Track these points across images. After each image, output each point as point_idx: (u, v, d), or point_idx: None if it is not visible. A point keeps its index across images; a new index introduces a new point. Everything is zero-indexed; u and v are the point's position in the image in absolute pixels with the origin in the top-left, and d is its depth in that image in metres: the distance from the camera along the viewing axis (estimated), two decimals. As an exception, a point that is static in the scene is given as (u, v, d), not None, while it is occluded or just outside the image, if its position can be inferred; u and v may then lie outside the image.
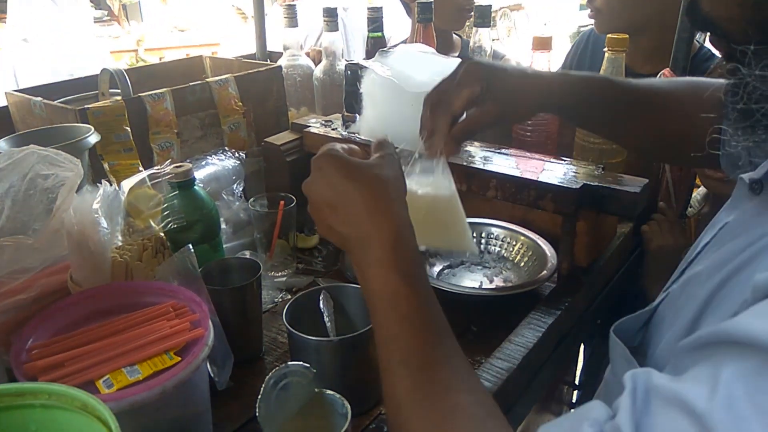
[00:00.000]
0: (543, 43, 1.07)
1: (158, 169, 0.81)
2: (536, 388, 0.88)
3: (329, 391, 0.62)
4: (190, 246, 0.71)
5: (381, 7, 1.27)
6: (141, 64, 5.05)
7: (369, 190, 0.53)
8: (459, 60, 1.04)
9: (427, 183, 0.67)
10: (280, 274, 1.04)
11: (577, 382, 1.33)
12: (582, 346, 1.21)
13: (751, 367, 0.34)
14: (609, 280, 1.05)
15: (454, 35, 1.71)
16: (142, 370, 0.60)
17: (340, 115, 1.21)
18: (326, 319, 0.76)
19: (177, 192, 0.80)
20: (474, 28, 1.12)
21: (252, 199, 1.04)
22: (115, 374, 0.59)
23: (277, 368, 0.60)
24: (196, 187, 0.82)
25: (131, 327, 0.65)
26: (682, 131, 0.75)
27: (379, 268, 0.52)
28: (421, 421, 0.47)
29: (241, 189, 1.12)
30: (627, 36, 1.02)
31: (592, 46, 1.52)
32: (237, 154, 1.16)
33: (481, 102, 0.71)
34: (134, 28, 5.49)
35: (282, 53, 1.44)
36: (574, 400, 1.32)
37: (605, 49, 1.03)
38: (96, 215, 0.71)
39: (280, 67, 1.34)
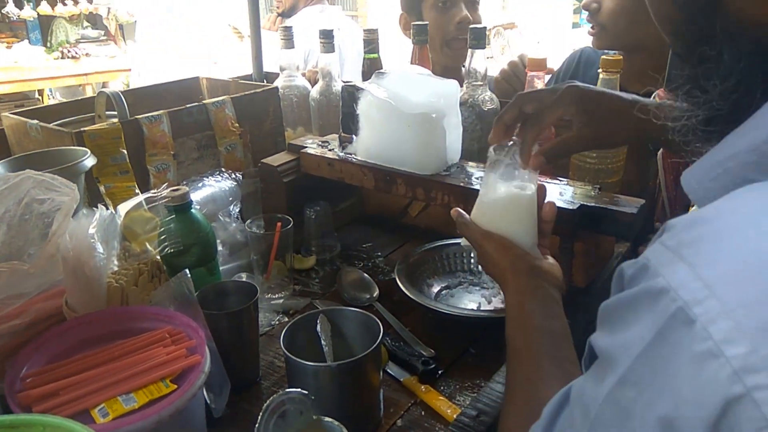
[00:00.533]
0: (538, 65, 1.08)
1: (155, 193, 0.81)
2: (536, 410, 0.87)
3: (327, 419, 0.62)
4: (187, 271, 0.70)
5: (377, 29, 1.28)
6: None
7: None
8: (454, 82, 1.05)
9: (511, 181, 0.77)
10: (276, 296, 1.04)
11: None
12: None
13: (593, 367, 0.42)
14: (607, 301, 1.05)
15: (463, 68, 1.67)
16: (137, 399, 0.59)
17: (337, 135, 1.22)
18: (324, 343, 0.75)
19: (173, 216, 0.80)
20: (469, 50, 1.13)
21: (249, 221, 1.04)
22: (111, 403, 0.58)
23: (274, 395, 0.59)
24: (192, 210, 0.82)
25: (127, 354, 0.65)
26: None
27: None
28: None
29: (237, 210, 1.12)
30: (621, 57, 1.03)
31: (583, 67, 1.52)
32: (233, 175, 1.16)
33: (576, 125, 0.78)
34: (130, 48, 5.51)
35: (278, 74, 1.45)
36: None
37: (599, 70, 1.03)
38: (92, 240, 0.71)
39: (276, 88, 1.35)
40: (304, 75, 1.49)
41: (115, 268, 0.75)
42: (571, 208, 0.89)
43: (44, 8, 5.42)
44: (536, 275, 0.71)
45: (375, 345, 0.71)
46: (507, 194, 0.76)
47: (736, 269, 0.33)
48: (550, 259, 0.75)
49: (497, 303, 1.01)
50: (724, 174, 0.42)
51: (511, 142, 0.79)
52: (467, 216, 0.79)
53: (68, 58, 4.99)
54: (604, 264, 1.02)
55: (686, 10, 0.46)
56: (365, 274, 1.09)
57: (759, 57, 0.43)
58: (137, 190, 1.04)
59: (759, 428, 0.30)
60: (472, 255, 1.11)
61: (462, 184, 1.01)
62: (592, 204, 0.90)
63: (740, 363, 0.30)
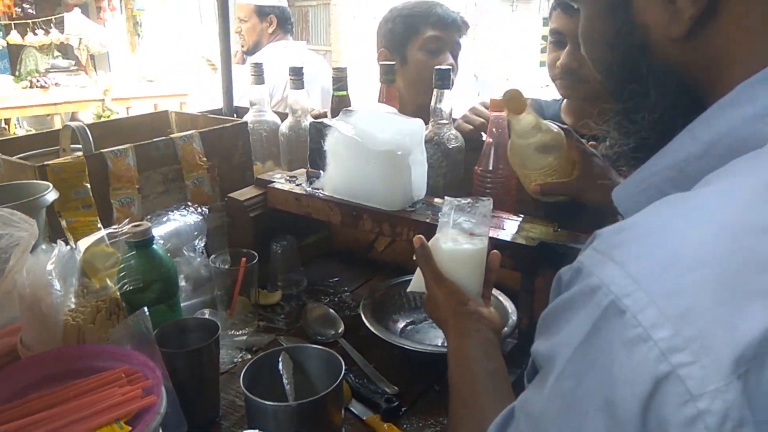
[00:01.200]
0: (498, 106, 1.12)
1: (116, 228, 0.80)
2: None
3: (286, 459, 0.61)
4: (146, 309, 0.69)
5: (345, 68, 1.31)
6: (107, 113, 5.03)
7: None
8: (420, 120, 1.08)
9: (464, 231, 0.82)
10: (240, 332, 1.03)
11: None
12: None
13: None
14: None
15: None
16: (90, 441, 0.58)
17: (305, 170, 1.23)
18: (285, 381, 0.75)
19: (134, 252, 0.79)
20: (435, 90, 1.15)
21: (213, 256, 1.03)
22: (62, 446, 0.57)
23: (232, 436, 0.59)
24: (154, 246, 0.81)
25: (82, 394, 0.63)
26: None
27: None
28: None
29: (202, 245, 1.11)
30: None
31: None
32: (200, 209, 1.15)
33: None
34: (101, 78, 5.49)
35: (247, 108, 1.46)
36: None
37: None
38: (49, 277, 0.70)
39: (245, 122, 1.36)
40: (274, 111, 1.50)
41: (73, 306, 0.74)
42: (531, 245, 0.91)
43: (14, 37, 5.39)
44: (476, 320, 0.75)
45: (336, 384, 0.71)
46: (459, 245, 0.81)
47: (657, 265, 0.37)
48: (491, 308, 0.81)
49: (461, 339, 1.02)
50: (648, 188, 0.49)
51: (468, 200, 0.84)
52: (429, 248, 0.82)
53: (37, 87, 4.94)
54: (566, 300, 1.04)
55: (619, 54, 0.53)
56: (331, 310, 1.09)
57: (680, 94, 0.50)
58: (99, 225, 1.03)
59: (684, 401, 0.33)
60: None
61: (428, 220, 1.02)
62: (553, 241, 0.92)
63: (666, 344, 0.34)
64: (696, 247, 0.36)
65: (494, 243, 0.93)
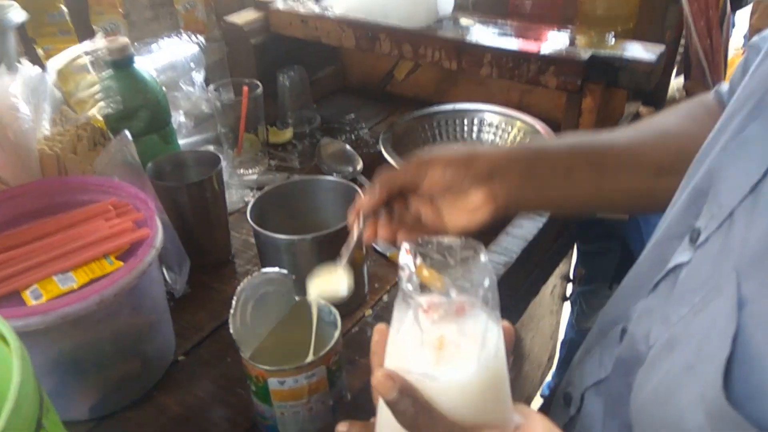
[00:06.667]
0: None
1: (90, 47, 0.68)
2: (535, 282, 0.81)
3: (313, 298, 0.53)
4: (127, 133, 0.59)
5: None
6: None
7: None
8: None
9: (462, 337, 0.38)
10: (250, 171, 0.94)
11: (571, 277, 1.28)
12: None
13: None
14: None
15: None
16: (77, 278, 0.50)
17: (312, -11, 1.06)
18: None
19: (113, 72, 0.67)
20: None
21: (212, 86, 0.91)
22: (45, 283, 0.50)
23: (249, 276, 0.51)
24: (136, 66, 0.69)
25: (64, 228, 0.55)
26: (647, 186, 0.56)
27: None
28: None
29: (201, 78, 0.99)
30: None
31: None
32: (194, 38, 1.01)
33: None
34: None
35: None
36: (567, 294, 1.28)
37: None
38: (14, 99, 0.59)
39: (240, -66, 1.16)
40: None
41: (48, 134, 0.64)
42: (581, 57, 0.77)
43: None
44: None
45: (355, 214, 0.62)
46: (465, 374, 0.35)
47: None
48: (523, 413, 0.39)
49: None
50: None
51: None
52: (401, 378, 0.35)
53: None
54: (614, 125, 0.92)
55: None
56: (347, 146, 0.99)
57: None
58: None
59: None
60: (465, 120, 1.00)
61: (455, 37, 0.88)
62: (606, 53, 0.77)
63: None
64: None
65: (538, 59, 0.79)
